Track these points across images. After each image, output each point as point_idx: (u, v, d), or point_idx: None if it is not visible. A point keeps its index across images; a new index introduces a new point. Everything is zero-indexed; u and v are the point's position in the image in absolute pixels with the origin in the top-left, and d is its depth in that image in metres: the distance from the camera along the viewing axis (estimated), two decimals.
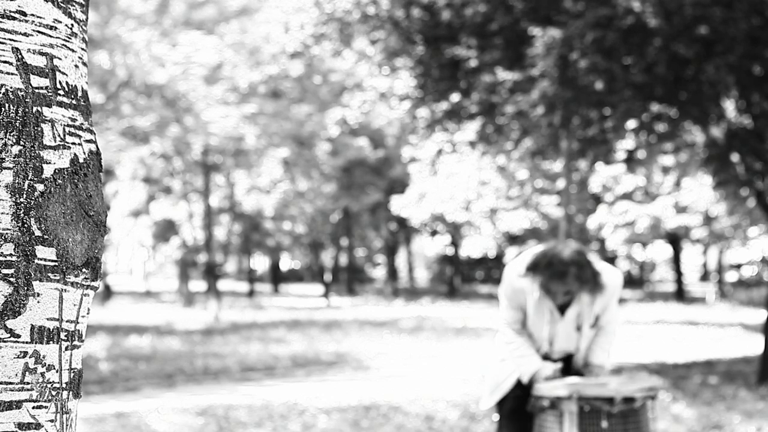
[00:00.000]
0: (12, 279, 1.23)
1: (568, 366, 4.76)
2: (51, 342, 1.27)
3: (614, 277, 4.64)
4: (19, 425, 1.25)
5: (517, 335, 4.64)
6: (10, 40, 1.25)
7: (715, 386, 10.70)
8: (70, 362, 1.31)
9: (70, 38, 1.32)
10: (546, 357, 4.68)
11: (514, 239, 31.37)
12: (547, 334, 4.64)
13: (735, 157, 11.14)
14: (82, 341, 1.35)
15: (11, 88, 1.24)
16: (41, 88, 1.27)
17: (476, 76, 10.93)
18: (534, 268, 4.47)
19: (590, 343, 4.72)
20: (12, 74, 1.24)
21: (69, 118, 1.30)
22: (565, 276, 4.39)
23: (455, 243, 38.17)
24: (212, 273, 25.87)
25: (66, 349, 1.30)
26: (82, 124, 1.33)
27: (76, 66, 1.33)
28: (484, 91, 10.79)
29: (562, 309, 4.60)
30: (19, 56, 1.25)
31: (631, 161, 14.96)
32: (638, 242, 30.89)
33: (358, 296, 38.20)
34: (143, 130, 19.32)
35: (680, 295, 36.68)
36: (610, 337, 4.73)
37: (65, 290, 1.29)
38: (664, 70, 9.87)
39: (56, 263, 1.27)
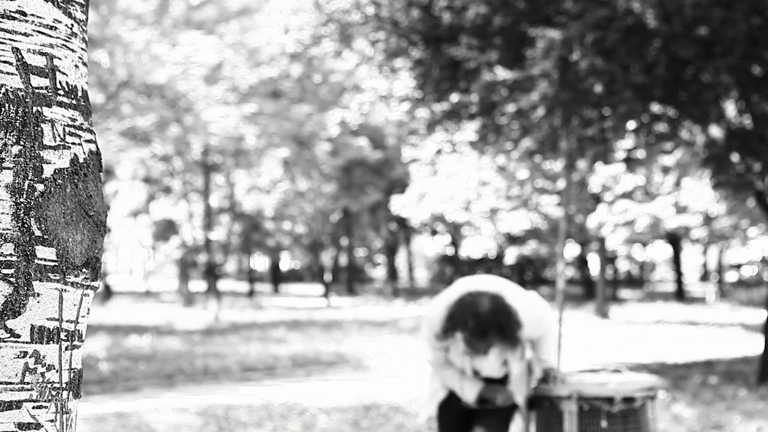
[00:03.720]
0: (12, 279, 1.23)
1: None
2: (51, 342, 1.27)
3: (535, 313, 4.47)
4: (19, 425, 1.25)
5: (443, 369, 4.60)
6: (10, 40, 1.25)
7: (715, 386, 10.70)
8: (70, 362, 1.31)
9: (70, 38, 1.32)
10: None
11: (514, 239, 31.36)
12: (470, 369, 4.53)
13: (735, 158, 11.14)
14: (82, 341, 1.35)
15: (11, 88, 1.24)
16: (41, 88, 1.27)
17: (476, 76, 10.92)
18: (453, 324, 4.34)
19: (536, 353, 4.62)
20: (12, 74, 1.24)
21: (69, 118, 1.30)
22: (486, 335, 4.29)
23: (455, 243, 38.15)
24: (212, 273, 25.87)
25: (66, 349, 1.30)
26: (82, 124, 1.33)
27: (76, 66, 1.33)
28: (483, 90, 10.78)
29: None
30: (19, 56, 1.25)
31: (630, 161, 14.96)
32: (638, 242, 30.89)
33: (358, 296, 38.19)
34: (143, 130, 19.32)
35: (680, 295, 36.68)
36: (550, 341, 4.60)
37: (65, 290, 1.29)
38: (663, 71, 9.86)
39: (56, 263, 1.27)
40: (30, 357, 1.25)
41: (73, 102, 1.32)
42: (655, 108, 11.07)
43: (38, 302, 1.25)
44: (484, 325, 4.26)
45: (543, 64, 9.71)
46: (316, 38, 12.56)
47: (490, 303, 4.28)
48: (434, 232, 38.29)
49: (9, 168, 1.23)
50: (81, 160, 1.31)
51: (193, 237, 29.96)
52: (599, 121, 11.18)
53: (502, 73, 10.50)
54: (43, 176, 1.26)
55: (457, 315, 4.32)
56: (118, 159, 24.07)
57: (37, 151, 1.25)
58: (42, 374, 1.26)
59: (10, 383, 1.23)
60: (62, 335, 1.29)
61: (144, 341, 15.92)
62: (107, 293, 32.22)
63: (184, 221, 30.85)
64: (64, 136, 1.29)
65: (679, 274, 37.53)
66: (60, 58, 1.30)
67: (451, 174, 27.93)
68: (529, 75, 10.08)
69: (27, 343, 1.25)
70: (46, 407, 1.27)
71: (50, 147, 1.27)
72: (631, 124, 11.45)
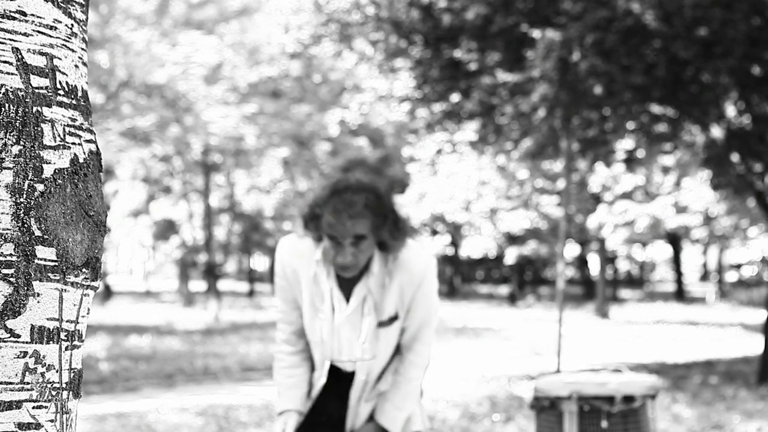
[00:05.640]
0: (12, 279, 1.23)
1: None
2: (51, 342, 1.27)
3: (423, 257, 3.20)
4: (19, 425, 1.25)
5: (284, 350, 3.30)
6: (10, 40, 1.25)
7: (715, 386, 10.70)
8: (70, 362, 1.31)
9: (70, 38, 1.32)
10: (334, 369, 3.25)
11: (514, 239, 31.37)
12: (324, 333, 3.18)
13: (735, 158, 11.15)
14: (82, 341, 1.35)
15: (11, 88, 1.24)
16: (41, 88, 1.27)
17: (476, 78, 10.93)
18: (314, 208, 3.11)
19: (389, 383, 3.23)
20: (12, 74, 1.24)
21: (69, 118, 1.30)
22: (354, 205, 3.02)
23: (455, 243, 38.16)
24: (212, 273, 25.86)
25: (66, 349, 1.30)
26: (82, 124, 1.33)
27: (76, 66, 1.33)
28: (483, 93, 10.79)
29: (348, 295, 3.19)
30: (19, 56, 1.25)
31: (630, 161, 14.96)
32: (638, 242, 30.90)
33: None
34: (143, 130, 19.32)
35: (680, 295, 36.68)
36: (414, 373, 3.19)
37: (65, 290, 1.29)
38: (663, 72, 9.86)
39: (56, 263, 1.27)
40: (30, 357, 1.25)
41: (73, 102, 1.32)
42: (655, 108, 11.07)
43: (38, 302, 1.25)
44: (354, 190, 3.08)
45: (543, 65, 9.71)
46: (316, 38, 12.55)
47: (368, 179, 3.21)
48: (434, 232, 38.30)
49: (9, 168, 1.23)
50: (81, 160, 1.31)
51: (193, 237, 29.96)
52: (599, 122, 11.18)
53: (502, 76, 10.50)
54: (43, 176, 1.26)
55: (321, 191, 3.13)
56: (118, 159, 24.06)
57: (37, 151, 1.25)
58: (42, 374, 1.26)
59: (10, 383, 1.23)
60: (62, 335, 1.29)
61: (144, 341, 15.91)
62: (107, 293, 32.22)
63: (184, 221, 30.85)
64: (64, 136, 1.29)
65: (679, 274, 37.53)
66: (60, 58, 1.30)
67: (451, 174, 27.95)
68: (529, 77, 10.08)
69: (27, 343, 1.25)
70: (46, 407, 1.27)
71: (50, 147, 1.27)
72: (631, 125, 11.46)
